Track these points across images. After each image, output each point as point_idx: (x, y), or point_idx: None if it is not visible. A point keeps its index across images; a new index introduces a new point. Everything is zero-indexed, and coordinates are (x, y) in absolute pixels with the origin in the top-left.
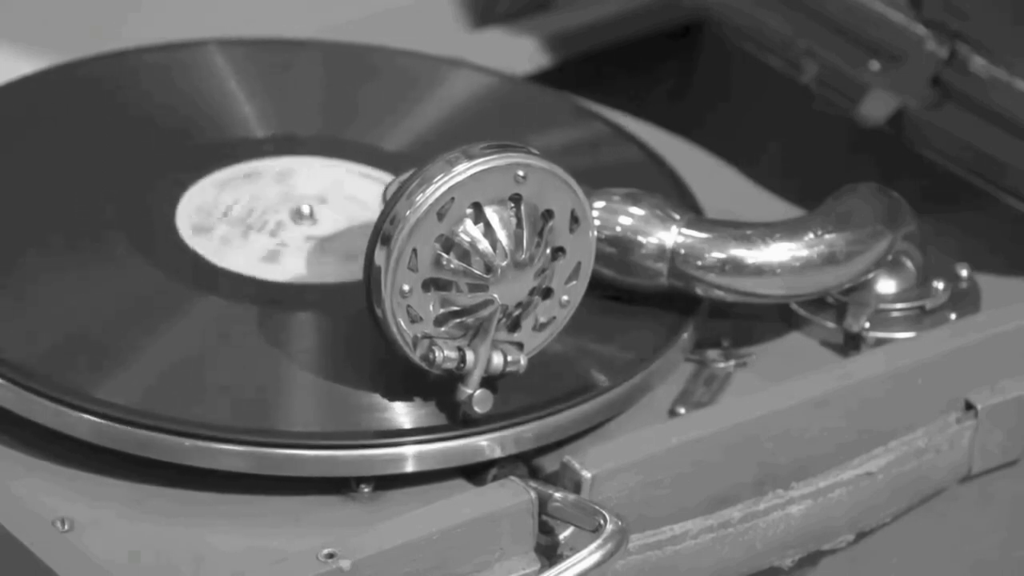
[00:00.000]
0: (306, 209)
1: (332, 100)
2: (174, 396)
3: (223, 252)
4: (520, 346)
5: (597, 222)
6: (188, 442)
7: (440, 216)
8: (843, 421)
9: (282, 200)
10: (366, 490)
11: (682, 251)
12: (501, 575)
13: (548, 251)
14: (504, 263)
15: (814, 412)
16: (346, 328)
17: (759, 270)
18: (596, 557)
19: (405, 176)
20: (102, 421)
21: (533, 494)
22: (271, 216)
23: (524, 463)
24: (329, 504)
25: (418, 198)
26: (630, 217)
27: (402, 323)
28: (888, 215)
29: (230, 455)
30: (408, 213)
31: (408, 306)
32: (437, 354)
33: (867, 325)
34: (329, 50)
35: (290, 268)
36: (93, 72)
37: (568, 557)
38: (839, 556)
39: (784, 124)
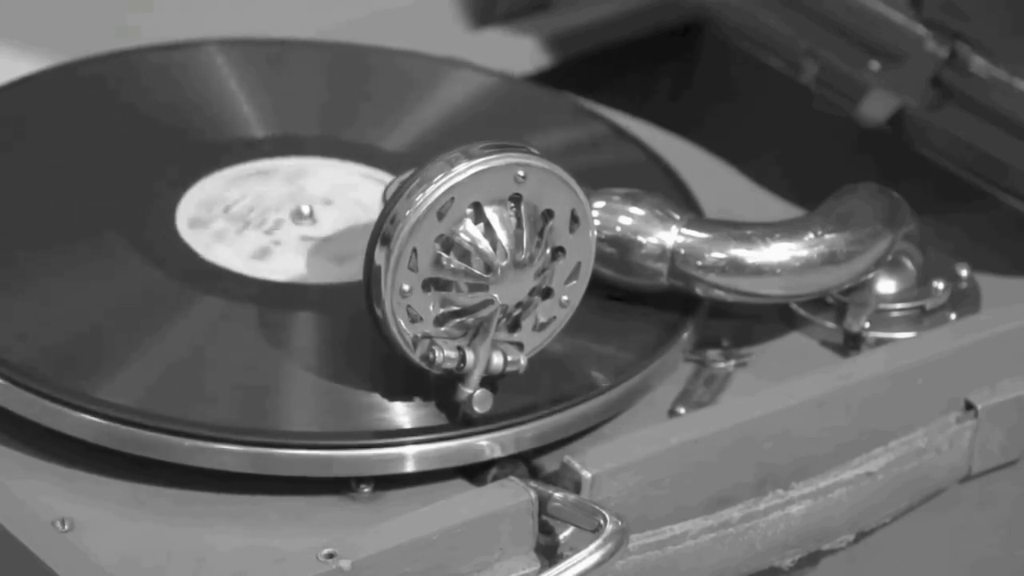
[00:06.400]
0: (306, 209)
1: (332, 100)
2: (174, 396)
3: (223, 252)
4: (520, 346)
5: (597, 222)
6: (188, 442)
7: (440, 216)
8: (843, 421)
9: (282, 200)
10: (366, 490)
11: (682, 251)
12: (501, 575)
13: (548, 251)
14: (504, 263)
15: (814, 412)
16: (346, 328)
17: (759, 270)
18: (596, 557)
19: (405, 176)
20: (102, 421)
21: (533, 494)
22: (271, 216)
23: (524, 463)
24: (329, 504)
25: (418, 198)
26: (630, 217)
27: (402, 323)
28: (888, 215)
29: (230, 455)
30: (408, 213)
31: (408, 306)
32: (437, 354)
33: (867, 325)
34: (329, 50)
35: (290, 268)
36: (93, 72)
37: (568, 557)
38: (839, 556)
39: (784, 124)
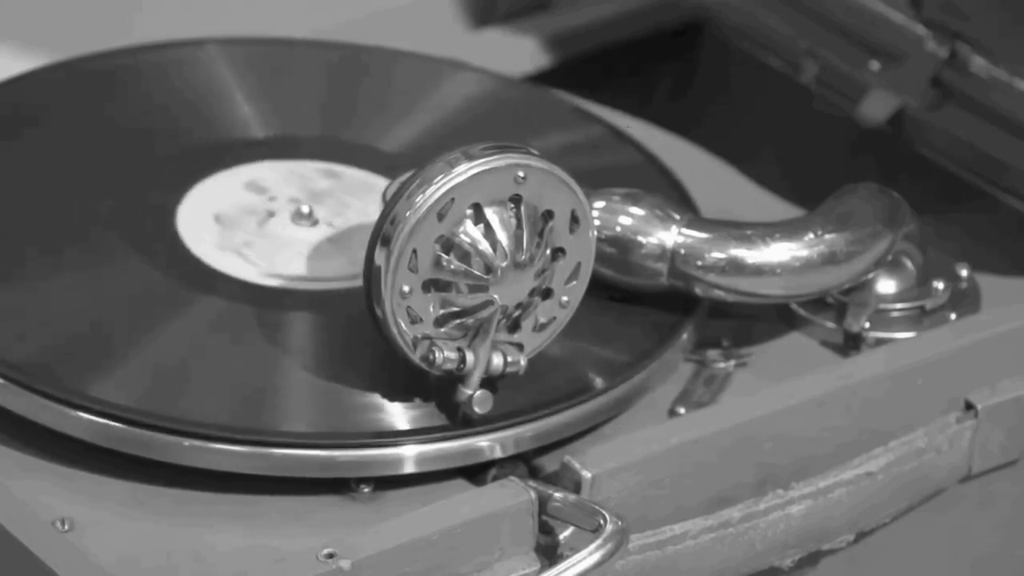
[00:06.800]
0: (306, 209)
1: (331, 101)
2: (174, 396)
3: (222, 251)
4: (520, 347)
5: (597, 222)
6: (188, 442)
7: (440, 217)
8: (843, 421)
9: (282, 200)
10: (366, 490)
11: (682, 251)
12: (501, 575)
13: (548, 252)
14: (504, 264)
15: (814, 412)
16: (346, 328)
17: (759, 270)
18: (596, 557)
19: (405, 177)
20: (102, 421)
21: (533, 494)
22: (271, 216)
23: (524, 463)
24: (329, 504)
25: (418, 199)
26: (630, 217)
27: (402, 324)
28: (888, 215)
29: (230, 455)
30: (408, 214)
31: (408, 307)
32: (437, 355)
33: (867, 325)
34: (328, 50)
35: (290, 268)
36: (91, 70)
37: (568, 557)
38: (839, 556)
39: (784, 124)
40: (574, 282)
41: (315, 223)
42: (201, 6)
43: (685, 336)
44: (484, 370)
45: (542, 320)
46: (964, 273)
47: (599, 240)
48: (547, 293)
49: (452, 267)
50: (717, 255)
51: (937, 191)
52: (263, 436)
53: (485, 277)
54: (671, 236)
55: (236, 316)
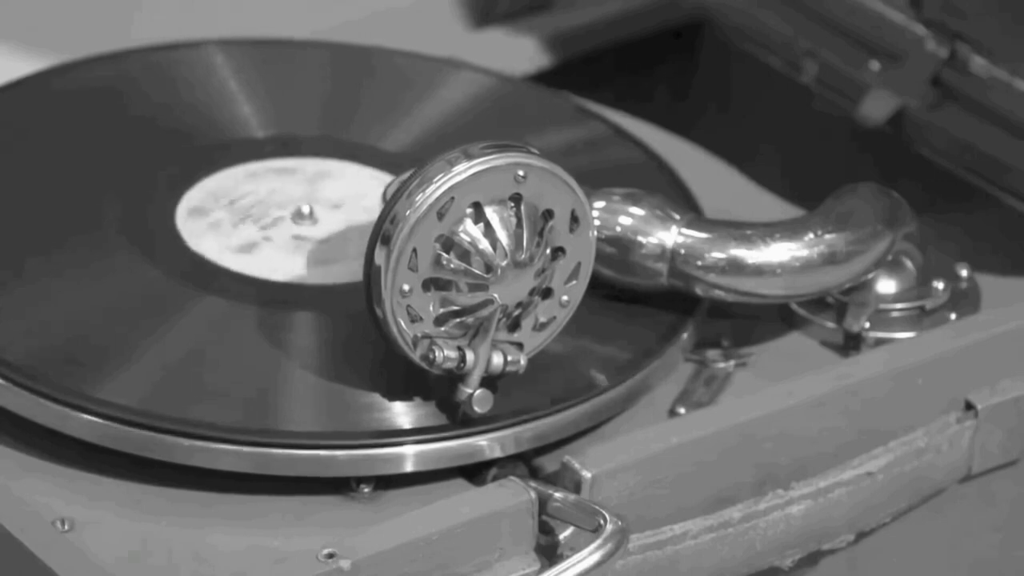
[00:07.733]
0: (306, 209)
1: (332, 100)
2: (174, 396)
3: (223, 252)
4: (520, 346)
5: (597, 222)
6: (188, 442)
7: (440, 216)
8: (843, 421)
9: (282, 200)
10: (366, 490)
11: (682, 251)
12: (501, 575)
13: (548, 251)
14: (504, 263)
15: (814, 412)
16: (346, 328)
17: (759, 270)
18: (596, 557)
19: (405, 176)
20: (102, 421)
21: (533, 494)
22: (271, 216)
23: (524, 463)
24: (329, 504)
25: (418, 198)
26: (630, 217)
27: (402, 323)
28: (888, 215)
29: (230, 455)
30: (408, 213)
31: (408, 306)
32: (437, 354)
33: (867, 325)
34: (329, 50)
35: (290, 268)
36: (93, 72)
37: (568, 557)
38: (839, 556)
39: (784, 124)
40: (574, 281)
41: (315, 222)
42: (201, 6)
43: (685, 336)
44: (484, 369)
45: (542, 319)
46: (964, 273)
47: (599, 240)
48: (547, 292)
49: (452, 266)
50: (717, 255)
51: (937, 191)
52: (264, 436)
53: (485, 276)
54: (671, 236)
55: (236, 316)
